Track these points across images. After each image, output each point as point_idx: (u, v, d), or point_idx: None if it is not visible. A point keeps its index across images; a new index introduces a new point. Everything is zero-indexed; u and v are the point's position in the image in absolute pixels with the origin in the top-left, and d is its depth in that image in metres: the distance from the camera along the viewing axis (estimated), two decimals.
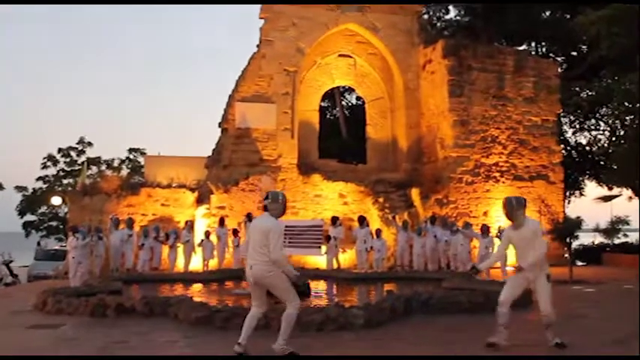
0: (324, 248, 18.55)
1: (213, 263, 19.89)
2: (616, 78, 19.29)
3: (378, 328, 9.42)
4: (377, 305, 10.27)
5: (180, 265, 19.47)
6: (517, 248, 8.30)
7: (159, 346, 8.39)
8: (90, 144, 46.02)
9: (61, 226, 42.36)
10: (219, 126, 23.98)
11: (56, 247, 28.98)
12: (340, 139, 30.97)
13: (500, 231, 17.36)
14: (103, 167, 45.83)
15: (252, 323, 7.76)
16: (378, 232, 19.76)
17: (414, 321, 10.19)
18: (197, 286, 15.84)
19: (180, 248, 19.41)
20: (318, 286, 15.49)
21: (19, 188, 45.09)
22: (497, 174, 23.49)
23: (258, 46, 24.51)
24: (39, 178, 45.17)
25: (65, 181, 45.03)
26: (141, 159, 44.95)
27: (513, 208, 8.22)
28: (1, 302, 13.50)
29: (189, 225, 20.21)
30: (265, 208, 7.80)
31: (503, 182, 23.46)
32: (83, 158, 44.66)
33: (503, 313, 8.08)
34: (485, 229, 17.61)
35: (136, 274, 17.77)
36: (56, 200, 39.83)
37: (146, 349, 8.16)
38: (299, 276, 8.03)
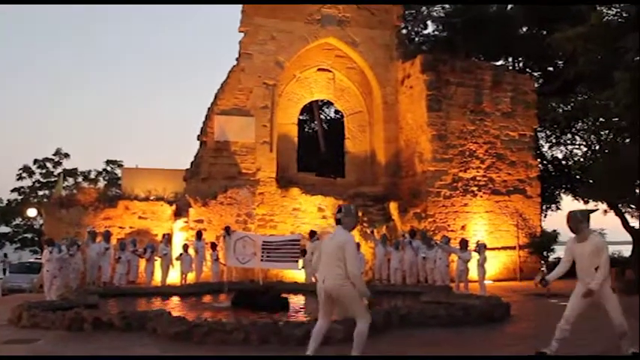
0: (301, 262, 18.55)
1: (191, 277, 19.76)
2: (592, 94, 19.52)
3: None
4: None
5: (157, 278, 19.33)
6: (578, 262, 8.37)
7: None
8: (66, 155, 45.75)
9: (36, 239, 41.97)
10: (198, 139, 23.88)
11: (31, 260, 28.67)
12: (318, 152, 30.99)
13: (479, 245, 17.46)
14: (80, 179, 45.55)
15: (318, 337, 7.75)
16: (357, 245, 19.73)
17: (394, 335, 10.18)
18: (175, 300, 15.74)
19: (158, 262, 19.28)
20: (298, 301, 15.43)
21: None
22: (474, 188, 23.61)
23: (237, 59, 24.48)
24: (14, 190, 44.83)
25: (41, 193, 44.68)
26: (118, 171, 44.75)
27: (578, 221, 8.29)
28: None
29: (167, 238, 20.06)
30: (338, 222, 7.72)
31: (481, 196, 23.60)
32: (59, 170, 44.36)
33: (563, 329, 8.26)
34: (463, 244, 17.65)
35: (112, 287, 17.62)
36: (32, 212, 39.51)
37: None
38: (371, 296, 7.88)
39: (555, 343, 8.19)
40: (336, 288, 7.44)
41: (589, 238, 8.23)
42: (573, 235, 8.44)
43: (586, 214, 8.43)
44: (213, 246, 19.92)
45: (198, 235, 20.34)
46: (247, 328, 9.42)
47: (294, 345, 9.07)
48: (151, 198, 23.32)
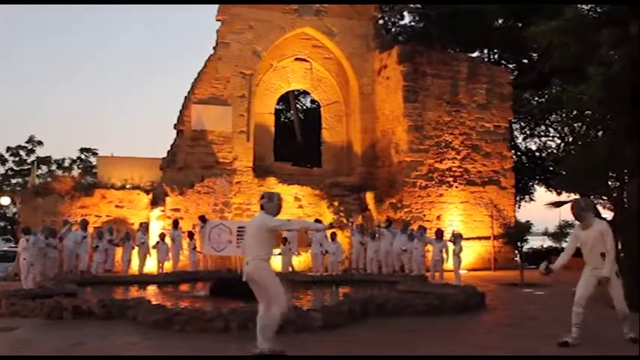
0: (277, 249, 18.67)
1: (167, 265, 19.78)
2: (566, 87, 19.79)
3: (336, 330, 9.52)
4: (335, 308, 10.41)
5: (134, 267, 19.33)
6: (584, 248, 8.62)
7: (118, 348, 8.37)
8: (40, 143, 45.24)
9: (9, 227, 41.59)
10: (175, 127, 23.89)
11: (5, 248, 28.45)
12: (295, 142, 31.07)
13: (455, 235, 17.69)
14: (54, 167, 45.17)
15: (265, 323, 7.80)
16: (333, 235, 19.88)
17: (371, 323, 10.33)
18: (152, 289, 15.75)
19: (135, 250, 19.27)
20: None
21: None
22: (450, 179, 23.87)
23: (214, 48, 24.50)
24: None
25: (14, 181, 44.21)
26: (93, 159, 44.41)
27: (581, 209, 8.63)
28: None
29: (144, 227, 20.06)
30: (262, 207, 7.98)
31: (457, 187, 23.86)
32: (33, 157, 43.93)
33: (577, 312, 8.44)
34: (439, 234, 17.86)
35: (90, 276, 17.59)
36: (5, 200, 39.10)
37: (105, 351, 8.14)
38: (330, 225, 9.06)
39: (575, 329, 8.42)
40: (257, 270, 7.65)
41: (593, 225, 8.51)
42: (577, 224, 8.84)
43: (590, 203, 8.86)
44: (191, 235, 19.98)
45: (175, 224, 20.33)
46: (227, 316, 9.51)
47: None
48: (128, 187, 23.30)
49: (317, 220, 20.34)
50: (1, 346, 8.59)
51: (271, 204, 7.97)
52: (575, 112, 18.99)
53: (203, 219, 19.40)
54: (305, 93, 32.00)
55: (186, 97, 23.99)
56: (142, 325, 9.90)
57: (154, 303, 10.88)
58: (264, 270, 7.68)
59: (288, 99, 31.79)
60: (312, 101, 33.05)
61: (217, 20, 24.57)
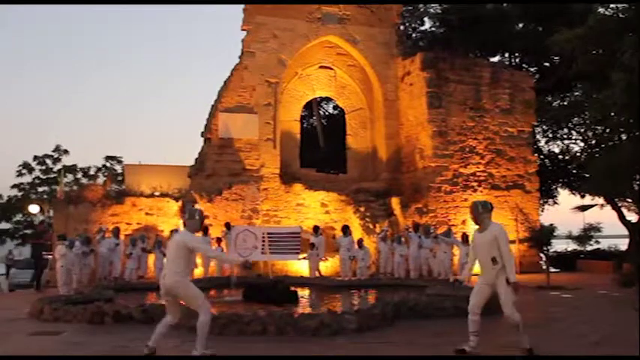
0: (302, 254, 19.01)
1: (198, 272, 20.11)
2: (589, 93, 19.94)
3: (370, 333, 9.80)
4: (368, 311, 10.69)
5: None
6: (478, 252, 8.34)
7: (159, 351, 8.69)
8: (66, 152, 45.92)
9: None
10: (202, 136, 24.28)
11: None
12: (318, 148, 31.36)
13: None
14: (79, 175, 45.81)
15: (162, 330, 8.27)
16: (360, 241, 20.18)
17: (403, 326, 10.59)
18: None
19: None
20: (304, 293, 15.83)
21: None
22: (474, 183, 24.05)
23: (240, 57, 24.87)
24: (14, 186, 44.98)
25: (41, 189, 44.89)
26: (118, 167, 45.00)
27: (478, 212, 8.40)
28: None
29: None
30: (184, 224, 8.44)
31: (481, 191, 24.01)
32: (59, 166, 44.56)
33: (473, 320, 8.27)
34: (465, 238, 18.11)
35: (123, 282, 17.98)
36: (34, 208, 39.72)
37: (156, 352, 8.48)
38: (247, 261, 9.05)
39: (472, 337, 8.27)
40: (173, 285, 7.98)
41: (488, 228, 8.24)
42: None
43: (488, 205, 8.52)
44: (218, 241, 20.30)
45: (205, 230, 20.60)
46: (265, 319, 9.83)
47: (310, 335, 9.47)
48: (156, 194, 23.68)
49: (344, 227, 20.66)
50: (52, 348, 8.96)
51: (192, 221, 8.30)
52: (598, 117, 19.13)
53: (228, 226, 19.79)
54: (328, 99, 32.26)
55: (213, 106, 24.39)
56: (181, 329, 10.22)
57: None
58: (181, 285, 8.01)
59: (310, 105, 32.10)
60: (335, 107, 33.32)
61: (242, 30, 24.95)
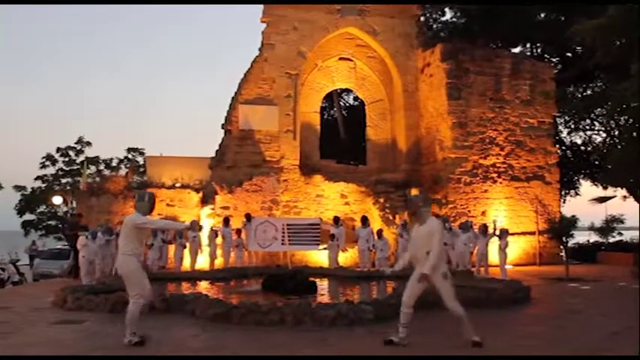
0: (322, 245, 19.10)
1: (218, 262, 20.30)
2: (609, 84, 19.77)
3: (387, 322, 9.84)
4: (385, 301, 10.79)
5: (186, 264, 19.88)
6: (414, 245, 8.31)
7: (182, 340, 8.86)
8: (89, 143, 46.36)
9: (60, 225, 42.66)
10: (223, 127, 24.45)
11: (59, 247, 29.36)
12: (338, 139, 31.43)
13: (501, 230, 17.90)
14: (102, 167, 46.23)
15: (133, 316, 8.43)
16: (380, 232, 20.23)
17: (420, 316, 10.59)
18: (204, 285, 16.21)
19: (187, 247, 19.82)
20: (323, 284, 15.93)
21: (18, 187, 45.40)
22: (494, 175, 23.99)
23: (260, 49, 25.00)
24: (37, 178, 45.48)
25: (64, 181, 45.36)
26: (139, 159, 45.36)
27: (416, 205, 8.39)
28: (18, 300, 13.87)
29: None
30: (135, 207, 8.67)
31: (501, 183, 23.97)
32: (82, 158, 44.99)
33: (405, 313, 8.24)
34: (484, 229, 18.12)
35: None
36: (57, 200, 40.16)
37: (171, 342, 8.63)
38: (190, 225, 9.54)
39: (402, 329, 8.25)
40: (121, 264, 8.38)
41: (427, 222, 8.16)
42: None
43: (428, 199, 8.55)
44: (238, 232, 20.44)
45: (226, 221, 20.80)
46: (283, 309, 9.94)
47: (328, 325, 9.56)
48: (177, 185, 23.92)
49: (363, 218, 20.73)
50: (74, 336, 9.15)
51: (142, 203, 8.59)
52: (620, 107, 19.00)
53: (248, 217, 19.94)
54: (348, 90, 32.29)
55: (233, 98, 24.55)
56: (200, 319, 10.39)
57: (211, 297, 11.37)
58: (127, 264, 8.33)
59: (331, 96, 32.17)
60: (355, 98, 33.35)
61: (262, 22, 25.06)
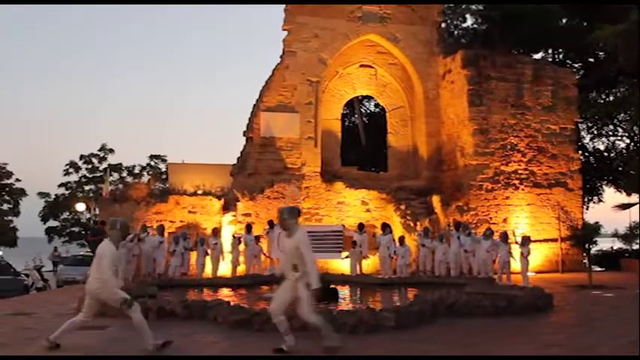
0: (344, 253, 19.07)
1: (240, 269, 20.37)
2: (632, 90, 19.65)
3: (407, 330, 9.88)
4: (406, 309, 10.79)
5: (207, 270, 19.98)
6: (285, 257, 8.69)
7: (203, 346, 8.93)
8: (111, 151, 46.85)
9: (83, 232, 43.07)
10: (244, 135, 24.56)
11: (82, 253, 29.67)
12: (359, 146, 31.45)
13: (523, 238, 17.83)
14: (125, 174, 46.64)
15: (69, 326, 8.71)
16: (402, 238, 20.20)
17: (441, 324, 10.66)
18: (226, 291, 16.25)
19: (209, 254, 19.90)
20: (345, 291, 15.92)
21: (42, 194, 45.98)
22: (516, 181, 23.89)
23: (281, 57, 25.09)
24: (61, 185, 46.03)
25: (87, 188, 45.83)
26: (162, 166, 45.69)
27: (283, 218, 8.53)
28: (42, 306, 14.04)
29: (216, 231, 20.72)
30: (107, 236, 8.76)
31: (523, 189, 23.86)
32: (105, 165, 45.44)
33: (279, 321, 8.35)
34: (505, 237, 18.05)
35: (166, 279, 18.28)
36: (80, 206, 40.54)
37: (192, 348, 8.70)
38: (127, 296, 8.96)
39: (286, 337, 8.32)
40: (93, 290, 8.55)
41: (295, 234, 8.36)
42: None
43: (294, 211, 8.64)
44: (257, 239, 20.49)
45: (248, 228, 20.85)
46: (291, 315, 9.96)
47: (347, 332, 9.56)
48: (199, 192, 24.05)
49: (384, 225, 20.71)
50: (96, 342, 9.25)
51: (113, 231, 8.68)
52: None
53: (271, 224, 20.01)
54: (369, 97, 32.30)
55: (254, 105, 24.65)
56: (222, 325, 10.45)
57: (232, 304, 11.43)
58: (103, 290, 8.50)
59: (352, 103, 32.18)
60: (376, 105, 33.34)
61: (283, 30, 25.16)
